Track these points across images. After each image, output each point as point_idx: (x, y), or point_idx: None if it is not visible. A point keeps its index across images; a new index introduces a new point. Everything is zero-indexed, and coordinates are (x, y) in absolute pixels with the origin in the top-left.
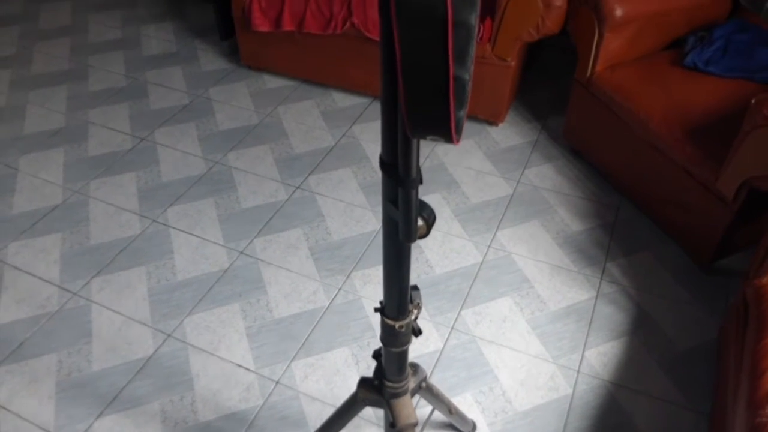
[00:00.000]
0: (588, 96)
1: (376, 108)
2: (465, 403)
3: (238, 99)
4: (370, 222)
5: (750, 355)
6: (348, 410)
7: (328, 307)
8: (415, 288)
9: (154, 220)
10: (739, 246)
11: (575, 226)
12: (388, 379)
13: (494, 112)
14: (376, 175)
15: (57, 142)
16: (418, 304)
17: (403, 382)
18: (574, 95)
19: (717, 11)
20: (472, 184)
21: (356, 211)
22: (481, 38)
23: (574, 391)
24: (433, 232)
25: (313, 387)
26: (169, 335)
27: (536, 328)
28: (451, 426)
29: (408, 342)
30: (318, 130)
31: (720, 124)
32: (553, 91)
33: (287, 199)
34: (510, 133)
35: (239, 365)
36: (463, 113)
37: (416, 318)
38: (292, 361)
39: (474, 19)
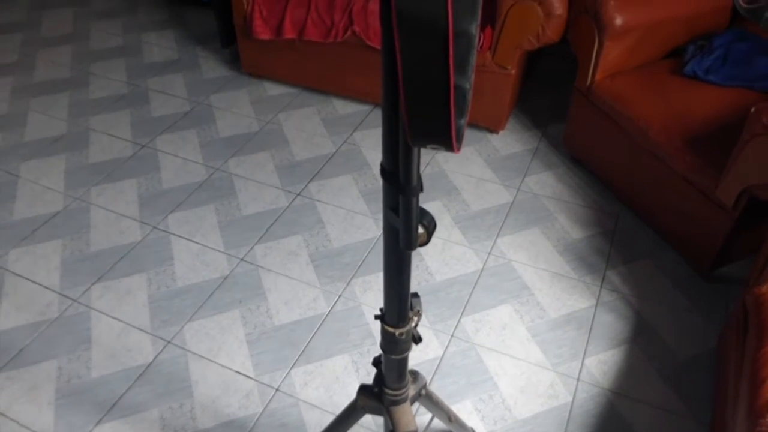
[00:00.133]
0: (588, 104)
1: (376, 115)
2: (465, 411)
3: (239, 106)
4: (371, 229)
5: (750, 363)
6: (347, 418)
7: (328, 314)
8: (416, 295)
9: (154, 227)
10: (738, 254)
11: (575, 233)
12: (387, 386)
13: (495, 119)
14: (376, 182)
15: (58, 149)
16: (419, 311)
17: (403, 390)
18: (574, 103)
19: (716, 20)
20: (472, 191)
21: (357, 218)
22: (481, 47)
23: (573, 399)
24: (433, 239)
25: (312, 394)
26: (168, 342)
27: (536, 335)
28: None
29: (408, 349)
30: (319, 137)
31: (719, 133)
32: (553, 99)
33: (288, 206)
34: (510, 141)
35: (239, 372)
36: (463, 122)
37: (416, 325)
38: (291, 368)
39: (475, 28)
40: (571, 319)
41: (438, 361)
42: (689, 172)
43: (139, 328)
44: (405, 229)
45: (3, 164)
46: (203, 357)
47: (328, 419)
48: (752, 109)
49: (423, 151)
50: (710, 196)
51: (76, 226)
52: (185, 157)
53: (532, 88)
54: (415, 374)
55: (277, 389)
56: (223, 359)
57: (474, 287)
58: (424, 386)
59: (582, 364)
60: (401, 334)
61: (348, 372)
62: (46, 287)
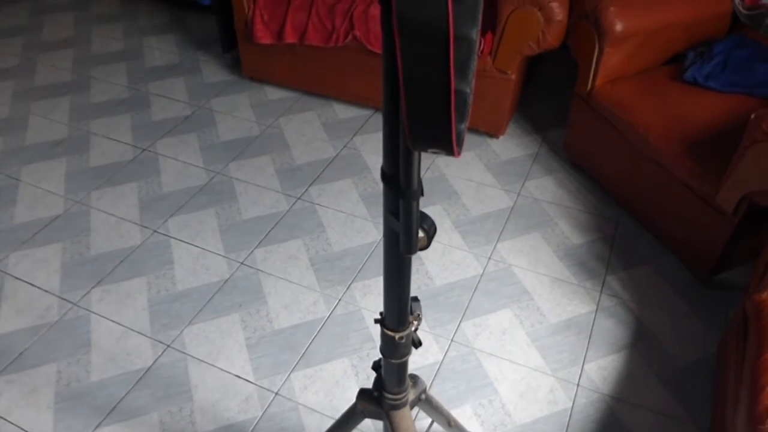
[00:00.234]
0: (588, 110)
1: (377, 120)
2: (464, 416)
3: (239, 110)
4: (371, 233)
5: (750, 369)
6: (347, 422)
7: (328, 318)
8: (415, 299)
9: (154, 231)
10: (738, 260)
11: (575, 238)
12: (387, 390)
13: (495, 124)
14: (376, 186)
15: (59, 153)
16: (418, 315)
17: (403, 394)
18: (574, 109)
19: (716, 27)
20: (472, 196)
21: (357, 222)
22: (482, 52)
23: (573, 404)
24: (433, 243)
25: (312, 398)
26: (168, 346)
27: (536, 340)
28: None
29: (408, 353)
30: (319, 142)
31: (719, 139)
32: (553, 105)
33: (288, 210)
34: (510, 146)
35: (238, 376)
36: (464, 126)
37: (416, 329)
38: (291, 372)
39: (475, 33)
40: (571, 325)
41: (438, 365)
42: (689, 178)
43: (138, 332)
44: (405, 233)
45: (4, 168)
46: (203, 361)
47: (328, 423)
48: (752, 116)
49: (423, 155)
50: (710, 202)
51: (76, 229)
52: (186, 160)
53: (532, 93)
54: (414, 378)
55: (276, 393)
56: (222, 363)
57: (474, 292)
58: (424, 391)
59: (582, 369)
60: (401, 338)
61: (348, 376)
62: (46, 291)
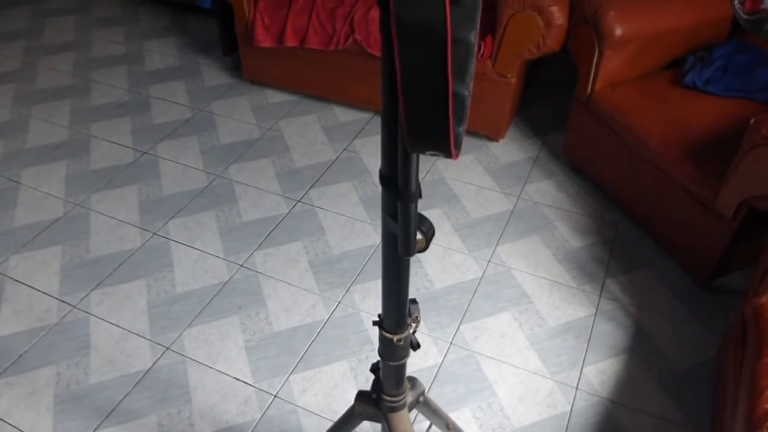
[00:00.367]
0: (588, 114)
1: (377, 123)
2: (463, 419)
3: (240, 113)
4: (370, 236)
5: (749, 373)
6: (345, 424)
7: (327, 320)
8: (414, 301)
9: (154, 233)
10: (738, 264)
11: (575, 242)
12: (385, 392)
13: (495, 128)
14: (376, 189)
15: (59, 156)
16: (417, 317)
17: (401, 396)
18: (574, 112)
19: (716, 31)
20: (472, 199)
21: (356, 225)
22: (482, 55)
23: (572, 408)
24: (432, 246)
25: (311, 401)
26: (167, 348)
27: (535, 343)
28: None
29: (406, 356)
30: (319, 145)
31: (719, 144)
32: (553, 108)
33: (288, 213)
34: (510, 149)
35: (237, 378)
36: (462, 129)
37: (414, 331)
38: (290, 374)
39: (473, 36)
40: (570, 328)
41: (437, 368)
42: (689, 182)
43: (138, 334)
44: (403, 234)
45: (4, 171)
46: (202, 363)
47: (326, 426)
48: (752, 120)
49: (423, 158)
50: (710, 207)
51: (76, 232)
52: (186, 163)
53: (532, 97)
54: (413, 381)
55: (275, 396)
56: (221, 365)
57: (473, 295)
58: (423, 393)
59: (581, 372)
60: (399, 340)
61: (346, 378)
62: (45, 293)
